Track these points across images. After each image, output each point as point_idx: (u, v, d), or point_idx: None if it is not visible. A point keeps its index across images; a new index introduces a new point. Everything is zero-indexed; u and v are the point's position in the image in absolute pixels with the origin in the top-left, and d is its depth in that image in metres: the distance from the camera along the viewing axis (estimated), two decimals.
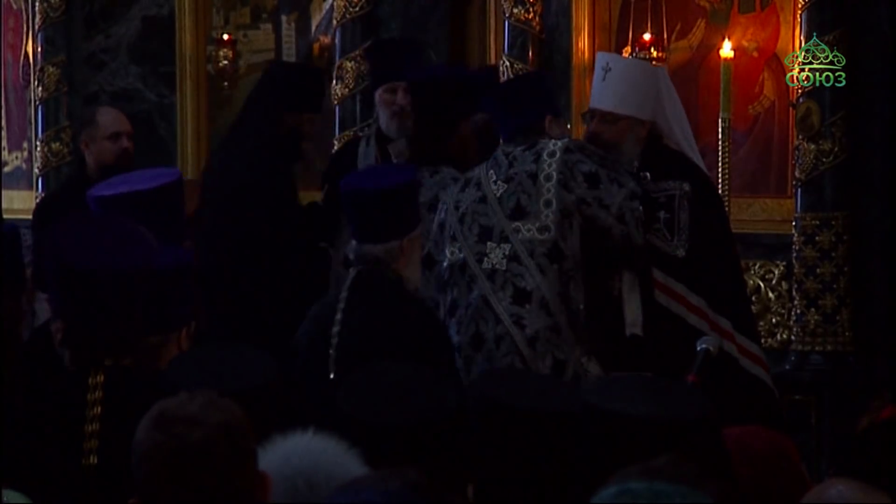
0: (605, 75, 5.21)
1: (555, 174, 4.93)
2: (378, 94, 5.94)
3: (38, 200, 7.12)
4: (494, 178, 5.05)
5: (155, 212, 4.04)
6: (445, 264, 5.14)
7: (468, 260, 5.03)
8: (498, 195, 5.02)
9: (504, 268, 4.97)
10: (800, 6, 6.21)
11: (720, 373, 4.85)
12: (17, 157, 8.70)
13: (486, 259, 5.02)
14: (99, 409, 3.29)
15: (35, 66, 8.29)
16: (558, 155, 4.95)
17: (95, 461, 3.23)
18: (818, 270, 6.18)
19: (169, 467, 2.52)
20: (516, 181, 4.99)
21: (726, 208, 5.68)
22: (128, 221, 3.63)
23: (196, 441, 2.52)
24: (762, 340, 5.66)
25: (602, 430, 2.89)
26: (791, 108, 6.30)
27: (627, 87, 5.18)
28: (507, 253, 4.97)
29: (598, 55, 5.65)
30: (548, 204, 4.94)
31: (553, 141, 5.04)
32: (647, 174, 5.09)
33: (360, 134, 6.54)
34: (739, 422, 3.41)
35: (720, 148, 6.06)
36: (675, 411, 2.92)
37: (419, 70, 5.92)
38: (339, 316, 4.47)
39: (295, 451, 2.71)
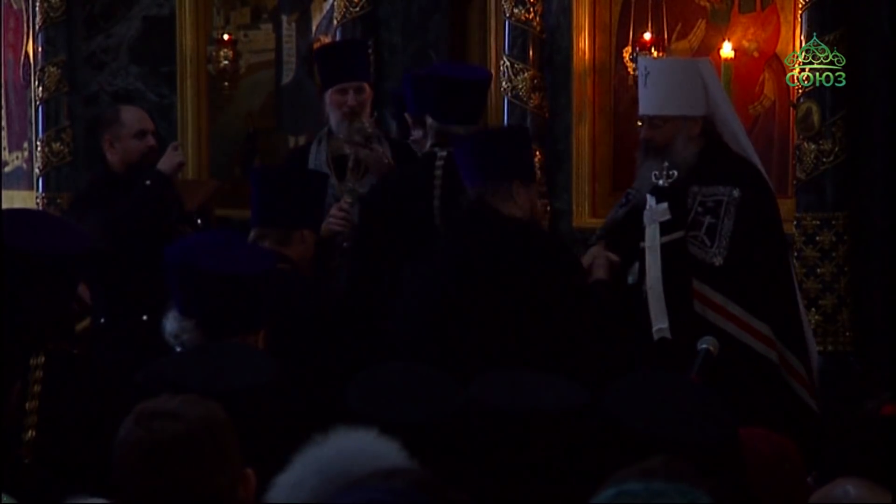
0: (645, 80, 5.20)
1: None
2: (328, 95, 5.98)
3: (70, 200, 7.04)
4: None
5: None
6: None
7: None
8: None
9: None
10: (800, 6, 6.20)
11: (760, 381, 4.86)
12: (17, 158, 8.71)
13: None
14: (38, 388, 3.46)
15: (35, 66, 8.29)
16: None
17: (34, 436, 3.40)
18: (818, 270, 6.17)
19: (149, 461, 2.52)
20: None
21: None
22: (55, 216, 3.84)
23: (176, 434, 2.52)
24: None
25: (623, 443, 2.86)
26: (791, 108, 6.30)
27: (669, 88, 5.17)
28: None
29: (638, 60, 5.61)
30: None
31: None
32: (675, 171, 5.08)
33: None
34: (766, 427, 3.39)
35: None
36: (701, 433, 2.87)
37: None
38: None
39: (339, 452, 2.63)
